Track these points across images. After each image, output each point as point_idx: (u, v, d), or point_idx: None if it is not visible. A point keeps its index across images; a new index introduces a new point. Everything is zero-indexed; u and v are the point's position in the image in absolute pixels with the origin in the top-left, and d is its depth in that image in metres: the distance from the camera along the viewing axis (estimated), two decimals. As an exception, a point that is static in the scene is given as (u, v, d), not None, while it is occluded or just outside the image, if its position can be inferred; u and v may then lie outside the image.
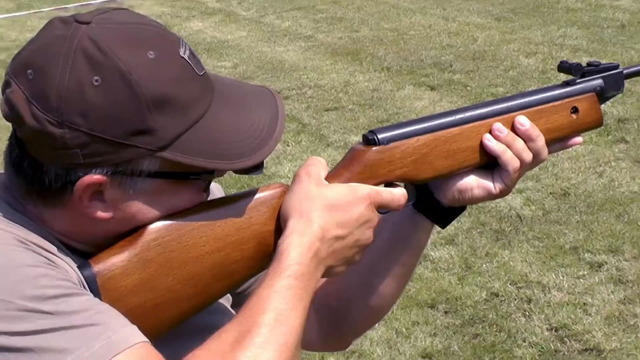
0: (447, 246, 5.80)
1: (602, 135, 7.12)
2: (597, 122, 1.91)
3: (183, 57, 1.55)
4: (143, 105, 1.49)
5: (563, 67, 1.91)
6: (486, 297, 5.28)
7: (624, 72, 1.93)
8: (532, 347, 4.81)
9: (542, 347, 4.80)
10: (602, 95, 1.90)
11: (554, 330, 4.92)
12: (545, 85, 1.93)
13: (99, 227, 1.60)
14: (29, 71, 1.51)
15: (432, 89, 8.67)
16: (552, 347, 4.79)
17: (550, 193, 6.40)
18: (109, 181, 1.53)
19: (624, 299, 5.12)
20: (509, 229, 5.96)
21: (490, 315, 5.10)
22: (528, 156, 1.79)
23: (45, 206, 1.59)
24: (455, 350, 4.85)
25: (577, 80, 1.88)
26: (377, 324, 4.74)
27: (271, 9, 12.35)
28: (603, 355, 4.69)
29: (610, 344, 4.77)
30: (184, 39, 1.60)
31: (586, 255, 5.58)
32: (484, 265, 5.58)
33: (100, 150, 1.50)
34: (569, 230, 5.88)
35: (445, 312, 5.18)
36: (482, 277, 5.47)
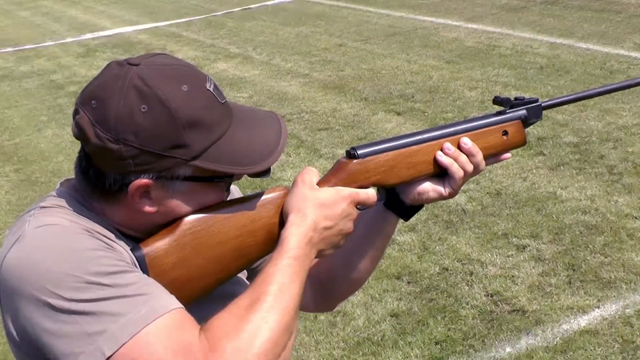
0: (410, 232, 5.80)
1: (526, 150, 7.13)
2: (522, 142, 1.93)
3: (209, 90, 1.57)
4: (179, 126, 1.51)
5: (496, 100, 1.94)
6: (439, 271, 5.28)
7: (542, 104, 1.95)
8: (473, 308, 4.81)
9: (481, 309, 4.80)
10: (526, 122, 1.92)
11: (489, 296, 4.93)
12: (483, 113, 1.95)
13: (147, 219, 1.61)
14: (93, 102, 1.53)
15: (399, 114, 8.67)
16: (488, 309, 4.80)
17: (487, 193, 6.41)
18: (154, 184, 1.55)
19: (542, 272, 5.13)
20: (456, 219, 5.97)
21: (442, 285, 5.10)
22: (470, 167, 1.82)
23: (107, 203, 1.61)
24: (415, 311, 4.85)
25: (507, 111, 1.91)
26: (356, 292, 4.74)
27: (278, 54, 12.35)
28: (527, 315, 4.69)
29: (532, 306, 4.77)
30: (210, 76, 1.62)
31: (514, 239, 5.59)
32: (437, 247, 5.58)
33: (147, 161, 1.52)
34: (501, 221, 5.89)
35: (408, 282, 5.18)
36: (436, 256, 5.47)
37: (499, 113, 1.91)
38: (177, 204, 1.60)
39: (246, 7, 15.93)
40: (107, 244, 1.54)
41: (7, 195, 7.50)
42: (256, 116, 1.68)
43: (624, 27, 11.57)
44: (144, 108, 1.50)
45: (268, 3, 16.28)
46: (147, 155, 1.52)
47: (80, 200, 1.63)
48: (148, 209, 1.59)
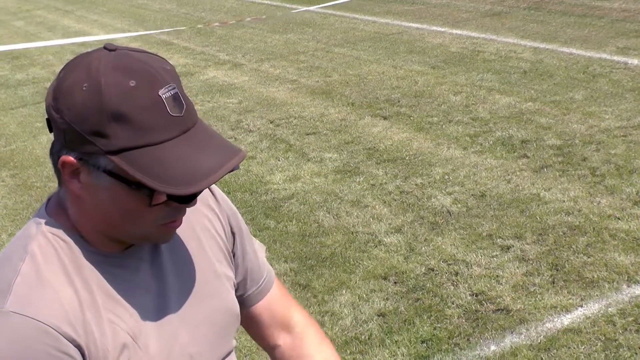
0: (396, 234, 5.79)
1: (510, 152, 7.13)
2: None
3: (160, 96, 1.46)
4: (104, 114, 1.43)
5: None
6: (425, 271, 5.27)
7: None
8: (459, 308, 4.80)
9: (466, 308, 4.79)
10: None
11: (474, 295, 4.92)
12: None
13: (85, 207, 1.56)
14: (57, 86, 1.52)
15: (385, 118, 8.66)
16: (473, 308, 4.78)
17: (472, 194, 6.40)
18: (80, 166, 1.50)
19: (526, 272, 5.12)
20: (442, 221, 5.96)
21: (428, 285, 5.09)
22: None
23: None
24: (402, 310, 4.84)
25: None
26: (343, 292, 4.73)
27: (267, 60, 12.34)
28: (511, 314, 4.68)
29: (516, 305, 4.76)
30: (175, 87, 1.49)
31: (498, 240, 5.58)
32: (423, 248, 5.57)
33: (73, 139, 1.47)
34: (485, 222, 5.88)
35: (395, 283, 5.17)
36: (422, 257, 5.45)
37: None
38: (103, 199, 1.52)
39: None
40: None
41: (3, 200, 7.50)
42: (214, 142, 1.53)
43: (606, 32, 11.60)
44: (85, 87, 1.45)
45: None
46: (73, 134, 1.47)
47: (58, 217, 1.59)
48: (77, 190, 1.53)
